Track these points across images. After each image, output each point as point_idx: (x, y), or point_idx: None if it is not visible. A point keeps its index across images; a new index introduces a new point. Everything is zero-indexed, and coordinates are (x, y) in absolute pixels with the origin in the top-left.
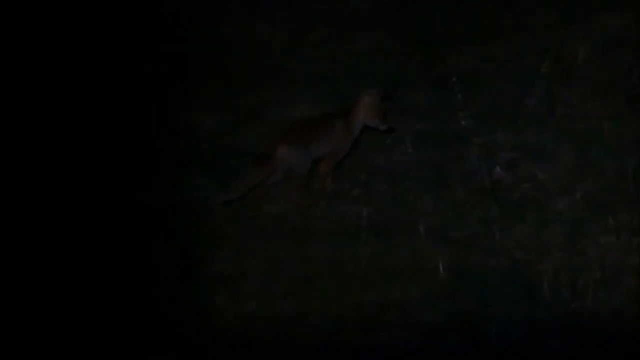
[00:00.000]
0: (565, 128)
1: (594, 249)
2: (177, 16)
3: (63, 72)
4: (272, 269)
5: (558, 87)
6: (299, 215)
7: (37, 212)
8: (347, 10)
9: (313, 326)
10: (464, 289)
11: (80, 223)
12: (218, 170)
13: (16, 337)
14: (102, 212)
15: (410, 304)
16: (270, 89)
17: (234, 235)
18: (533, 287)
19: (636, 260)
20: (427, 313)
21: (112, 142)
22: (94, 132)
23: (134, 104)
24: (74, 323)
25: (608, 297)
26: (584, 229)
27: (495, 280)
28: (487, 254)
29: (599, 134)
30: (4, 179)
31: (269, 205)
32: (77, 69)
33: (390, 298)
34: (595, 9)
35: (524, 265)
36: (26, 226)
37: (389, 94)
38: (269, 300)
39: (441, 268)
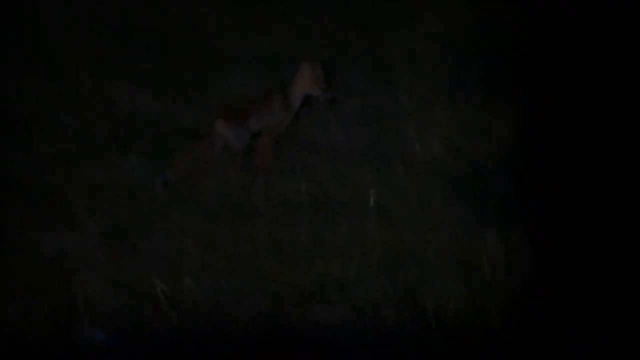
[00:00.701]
0: (502, 106)
1: (532, 225)
2: None
3: None
4: (211, 247)
5: (494, 65)
6: (238, 193)
7: None
8: None
9: (252, 304)
10: (403, 266)
11: (18, 197)
12: (156, 149)
13: None
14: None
15: (350, 281)
16: (207, 68)
17: (172, 213)
18: (471, 264)
19: (572, 235)
20: (366, 290)
21: (47, 120)
22: (31, 107)
23: (71, 82)
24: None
25: (544, 273)
26: (521, 206)
27: (434, 257)
28: (425, 230)
29: (536, 111)
30: None
31: (208, 182)
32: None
33: (329, 275)
34: None
35: (462, 242)
36: None
37: (328, 64)
38: (207, 278)
39: (380, 245)
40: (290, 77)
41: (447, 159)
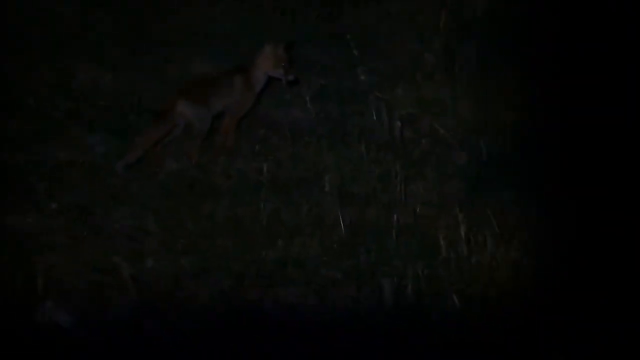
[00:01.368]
0: (464, 83)
1: (493, 204)
2: None
3: None
4: (172, 226)
5: (456, 42)
6: (199, 172)
7: None
8: None
9: (213, 282)
10: (364, 245)
11: None
12: (117, 128)
13: None
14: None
15: (310, 260)
16: (168, 47)
17: (133, 192)
18: (431, 242)
19: (533, 213)
20: (327, 269)
21: (7, 100)
22: None
23: (31, 61)
24: None
25: (505, 251)
26: (483, 185)
27: (395, 235)
28: (386, 209)
29: (498, 89)
30: None
31: (169, 161)
32: None
33: (290, 254)
34: None
35: (423, 220)
36: None
37: (292, 45)
38: (169, 257)
39: (341, 224)
40: (250, 56)
41: (408, 137)
